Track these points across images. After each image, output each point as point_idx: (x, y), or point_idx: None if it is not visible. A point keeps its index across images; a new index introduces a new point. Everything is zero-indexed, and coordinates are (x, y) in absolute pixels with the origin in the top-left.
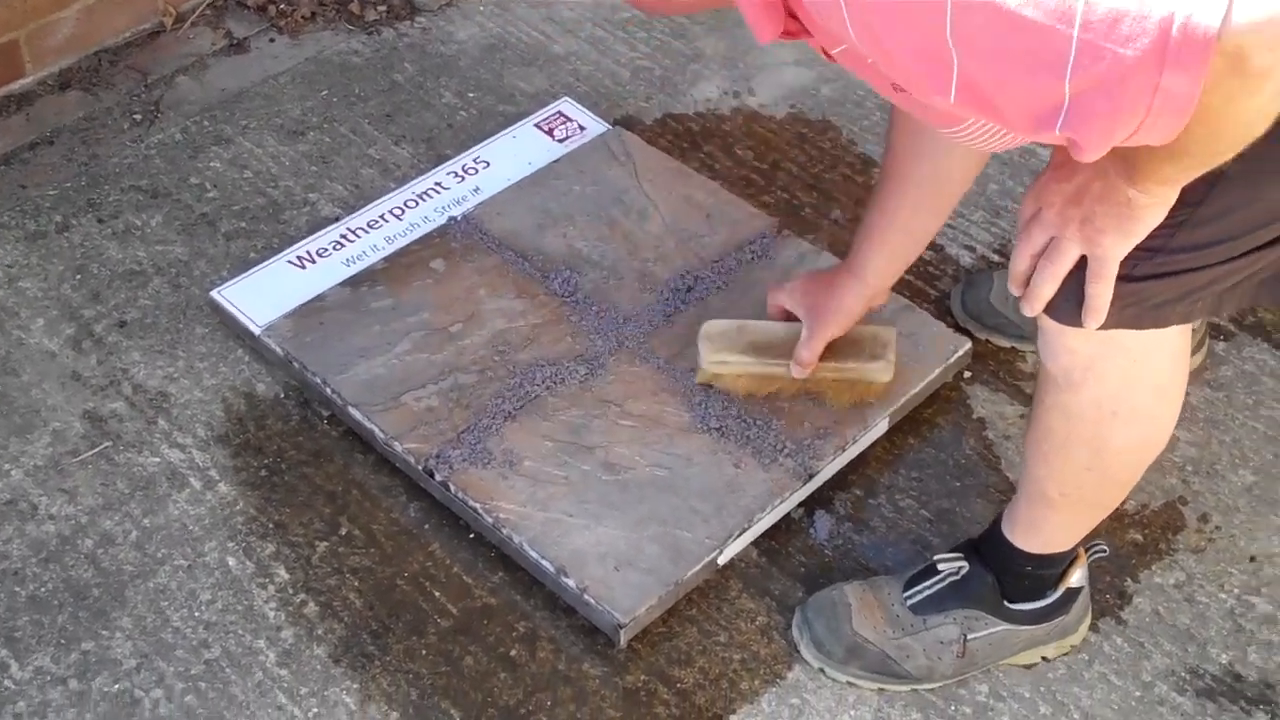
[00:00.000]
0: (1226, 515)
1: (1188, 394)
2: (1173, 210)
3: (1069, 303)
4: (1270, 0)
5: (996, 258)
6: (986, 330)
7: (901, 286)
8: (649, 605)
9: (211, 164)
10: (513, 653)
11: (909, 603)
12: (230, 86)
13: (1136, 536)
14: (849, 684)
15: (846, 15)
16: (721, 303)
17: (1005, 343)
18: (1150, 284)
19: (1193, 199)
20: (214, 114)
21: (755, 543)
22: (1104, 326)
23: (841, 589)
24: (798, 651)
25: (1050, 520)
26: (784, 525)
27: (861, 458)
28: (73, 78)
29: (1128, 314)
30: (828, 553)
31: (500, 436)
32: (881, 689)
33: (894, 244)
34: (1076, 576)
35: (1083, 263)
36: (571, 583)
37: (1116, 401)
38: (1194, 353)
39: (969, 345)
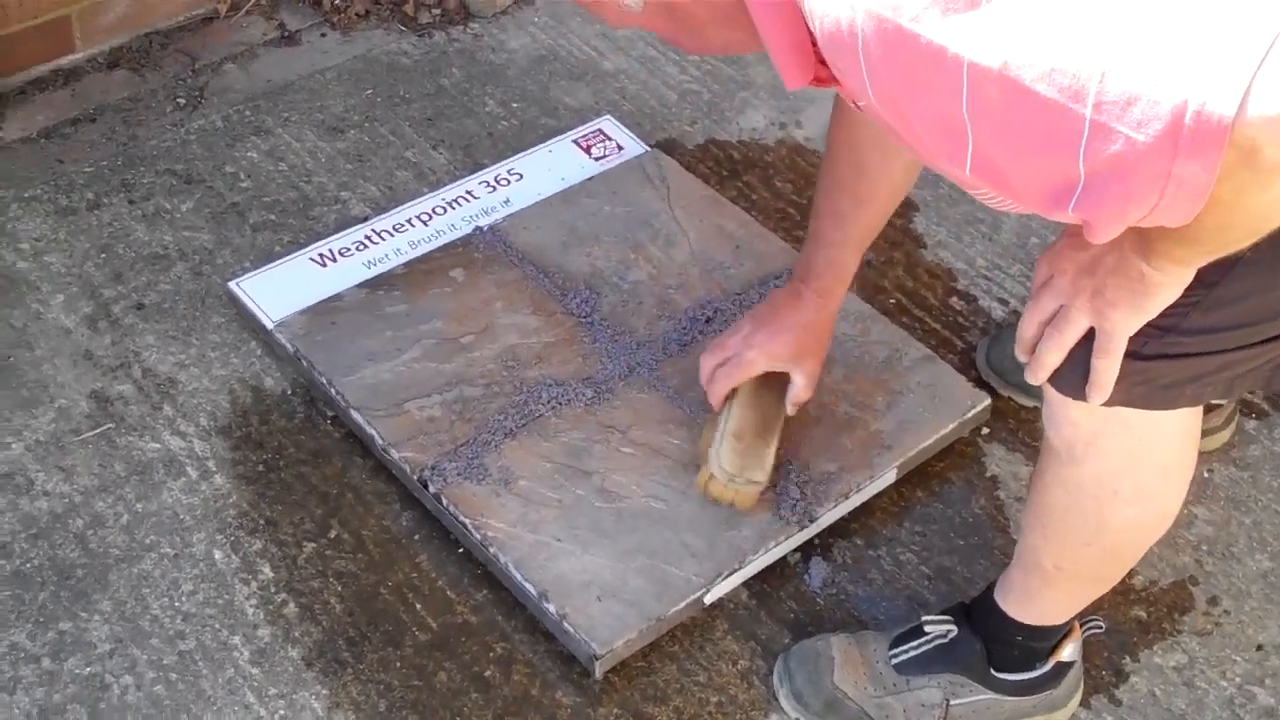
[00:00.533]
0: (1237, 600)
1: (1211, 470)
2: (1188, 290)
3: (1075, 374)
4: None
5: None
6: (1009, 388)
7: (928, 335)
8: (628, 638)
9: (249, 154)
10: (487, 673)
11: (894, 661)
12: (276, 78)
13: (1140, 613)
14: None
15: (866, 77)
16: None
17: (1028, 402)
18: (1159, 364)
19: (1209, 279)
20: (257, 104)
21: (747, 584)
22: (1110, 403)
23: (827, 640)
24: (776, 700)
25: (1044, 593)
26: (778, 568)
27: (866, 506)
28: (122, 57)
29: (1135, 393)
30: (819, 601)
31: (499, 453)
32: None
33: (859, 251)
34: (1069, 650)
35: (1091, 335)
36: (552, 608)
37: (1119, 479)
38: (1222, 428)
39: (988, 401)
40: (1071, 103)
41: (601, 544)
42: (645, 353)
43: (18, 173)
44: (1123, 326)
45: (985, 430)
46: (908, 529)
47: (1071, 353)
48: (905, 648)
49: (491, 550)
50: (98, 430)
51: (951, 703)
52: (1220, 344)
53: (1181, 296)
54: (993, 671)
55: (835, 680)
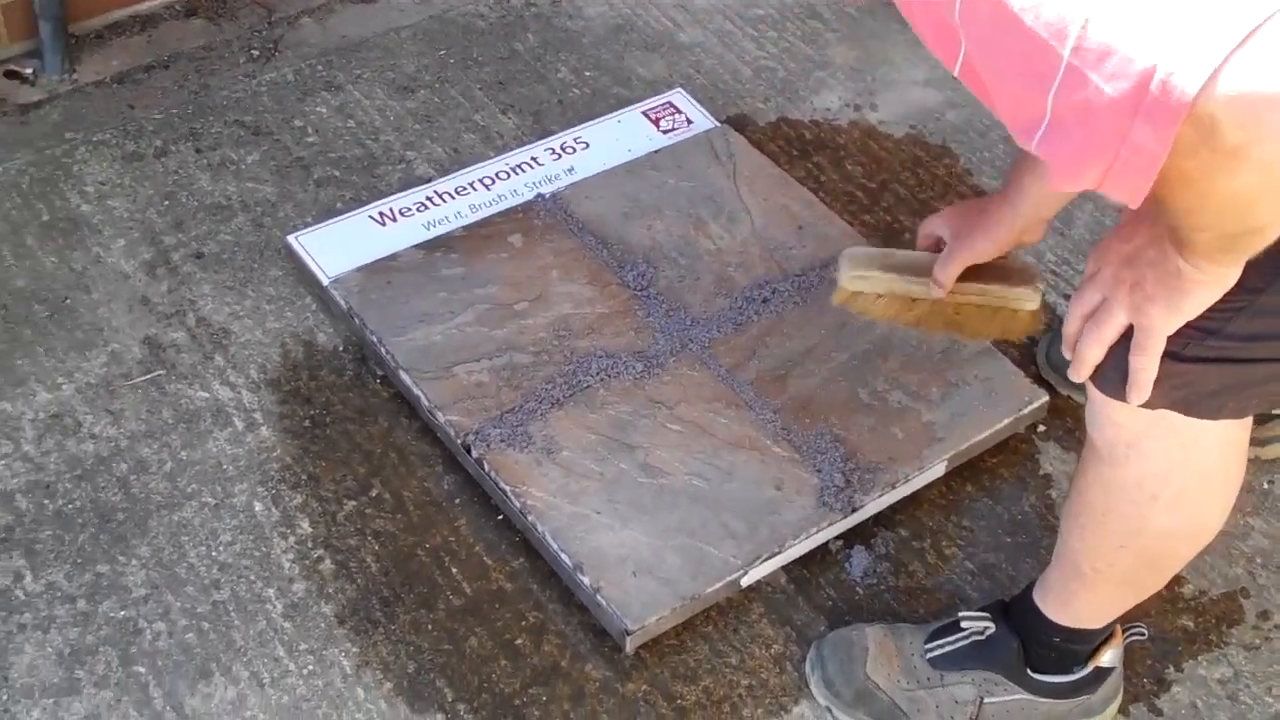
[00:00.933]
0: None
1: (1272, 481)
2: (1232, 294)
3: (1116, 374)
4: (1254, 78)
5: None
6: (1069, 386)
7: None
8: (660, 616)
9: (318, 109)
10: (518, 641)
11: (929, 655)
12: (351, 34)
13: (1188, 622)
14: None
15: None
16: (796, 318)
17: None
18: (1200, 368)
19: (1254, 285)
20: (330, 59)
21: (786, 568)
22: (1151, 406)
23: (862, 630)
24: (807, 686)
25: (1081, 596)
26: (819, 555)
27: (913, 498)
28: (200, 6)
29: (1176, 396)
30: (859, 590)
31: (544, 422)
32: None
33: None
34: (1109, 656)
35: (1131, 335)
36: (587, 581)
37: (1158, 484)
38: None
39: (1045, 399)
40: (1053, 40)
41: (641, 519)
42: (699, 330)
43: (89, 116)
44: (1160, 323)
45: (1041, 428)
46: (954, 523)
47: (1115, 352)
48: (941, 642)
49: (530, 519)
50: (148, 376)
51: (985, 700)
52: (1264, 352)
53: (1225, 300)
54: (1029, 672)
55: (868, 670)
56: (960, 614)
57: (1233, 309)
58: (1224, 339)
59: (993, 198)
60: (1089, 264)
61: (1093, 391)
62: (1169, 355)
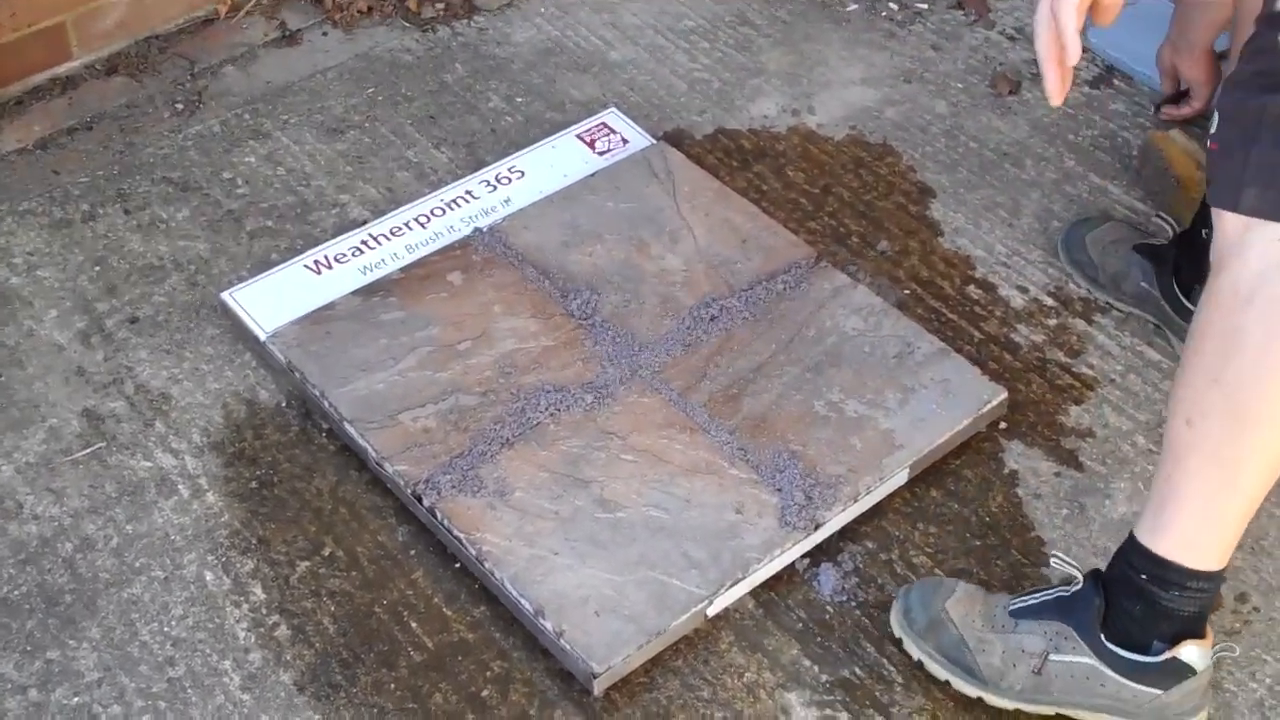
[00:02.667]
0: (1268, 597)
1: None
2: None
3: (1222, 182)
4: None
5: (1050, 301)
6: (1071, 264)
7: (945, 327)
8: (627, 655)
9: (246, 159)
10: (484, 693)
11: (1010, 607)
12: (276, 79)
13: None
14: (919, 663)
15: None
16: (746, 334)
17: (1083, 282)
18: None
19: None
20: (256, 107)
21: (753, 593)
22: (1247, 209)
23: (958, 580)
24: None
25: (1179, 486)
26: (785, 576)
27: (877, 508)
28: (120, 63)
29: (1268, 197)
30: (829, 609)
31: (495, 464)
32: (948, 682)
33: None
34: (1189, 651)
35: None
36: (549, 625)
37: (1250, 285)
38: None
39: (1004, 395)
40: None
41: (600, 556)
42: (648, 354)
43: (13, 185)
44: None
45: (1003, 425)
46: (921, 530)
47: (1220, 161)
48: (1025, 595)
49: (487, 565)
50: (89, 450)
51: (1051, 656)
52: None
53: None
54: (1103, 637)
55: (947, 605)
56: (1052, 553)
57: None
58: None
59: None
60: None
61: (1215, 212)
62: (1264, 145)
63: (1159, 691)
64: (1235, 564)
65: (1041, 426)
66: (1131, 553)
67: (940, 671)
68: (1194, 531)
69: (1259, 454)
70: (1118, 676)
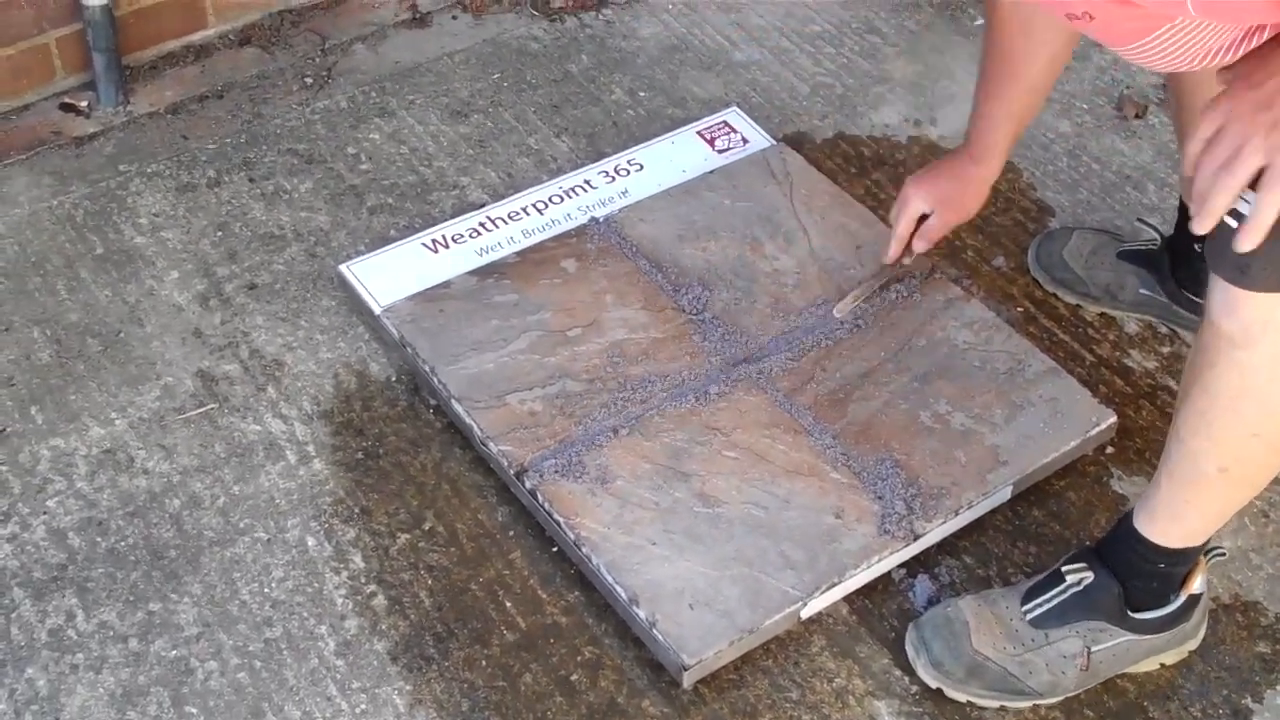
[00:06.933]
0: None
1: None
2: None
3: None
4: None
5: (1164, 328)
6: (1054, 284)
7: (1056, 347)
8: (718, 649)
9: (371, 135)
10: (574, 677)
11: (1029, 617)
12: (405, 60)
13: (1264, 649)
14: (968, 704)
15: None
16: (855, 340)
17: (1070, 299)
18: None
19: None
20: (383, 85)
21: (847, 599)
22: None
23: (956, 605)
24: (914, 672)
25: (1196, 505)
26: (881, 585)
27: (978, 523)
28: (253, 35)
29: None
30: None
31: (597, 451)
32: (1003, 706)
33: (1010, 125)
34: (1198, 583)
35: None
36: (642, 614)
37: None
38: None
39: (1113, 419)
40: None
41: (697, 550)
42: (756, 353)
43: (143, 147)
44: None
45: (1110, 449)
46: (1020, 549)
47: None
48: (1039, 600)
49: (584, 550)
50: (201, 410)
51: (1093, 650)
52: None
53: None
54: (1130, 613)
55: (974, 645)
56: (1062, 566)
57: None
58: None
59: (962, 164)
60: (1212, 117)
61: (1220, 282)
62: None
63: (1183, 624)
64: None
65: (1150, 454)
66: (1141, 547)
67: (992, 703)
68: (1210, 526)
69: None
70: (1151, 636)
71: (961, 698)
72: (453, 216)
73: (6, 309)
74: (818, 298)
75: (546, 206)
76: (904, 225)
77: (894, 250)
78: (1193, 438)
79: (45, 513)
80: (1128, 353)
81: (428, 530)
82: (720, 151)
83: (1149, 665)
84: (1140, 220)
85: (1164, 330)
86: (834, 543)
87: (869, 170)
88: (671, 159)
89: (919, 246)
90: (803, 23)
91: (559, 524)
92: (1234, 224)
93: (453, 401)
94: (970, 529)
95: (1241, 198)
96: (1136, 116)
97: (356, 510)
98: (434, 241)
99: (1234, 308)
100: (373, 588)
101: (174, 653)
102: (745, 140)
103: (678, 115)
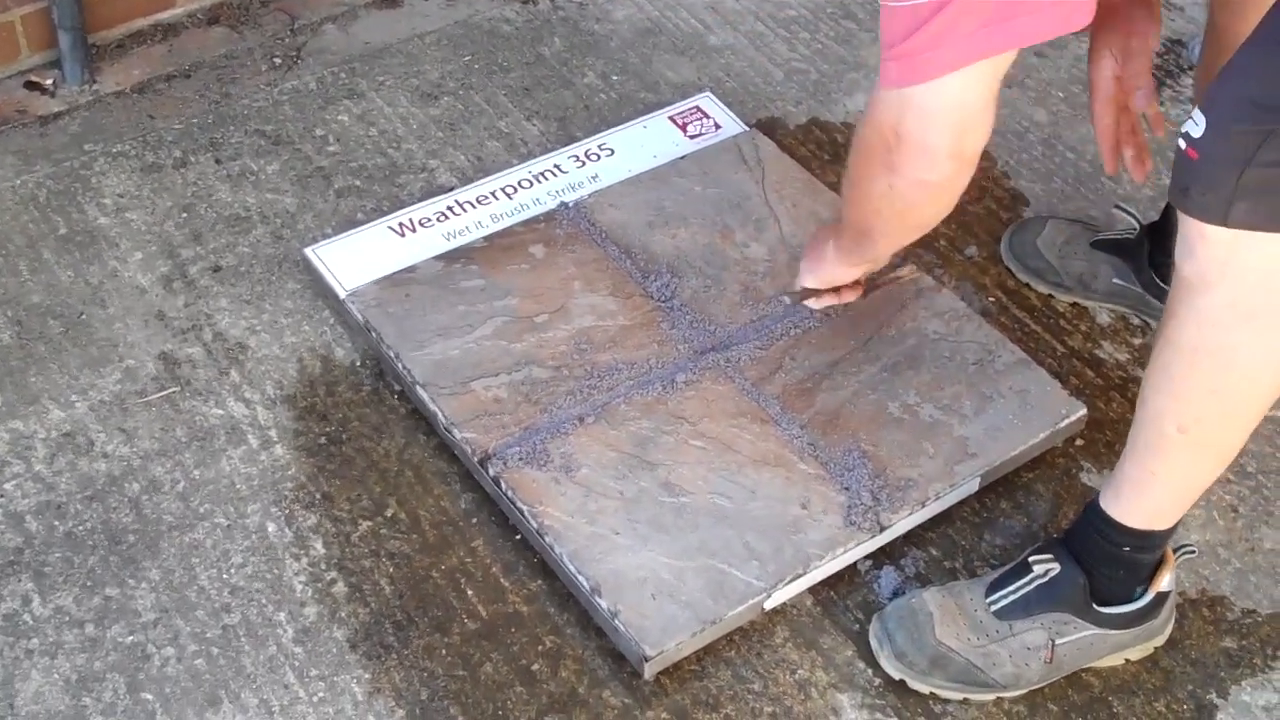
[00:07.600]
0: None
1: None
2: None
3: (1208, 196)
4: None
5: (1136, 319)
6: (1027, 273)
7: (1028, 338)
8: (680, 641)
9: (339, 117)
10: (534, 667)
11: (993, 608)
12: (375, 40)
13: (1230, 644)
14: (931, 696)
15: None
16: (825, 329)
17: (1043, 289)
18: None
19: None
20: (353, 66)
21: (812, 590)
22: (1237, 223)
23: (920, 596)
24: (877, 664)
25: (1161, 475)
26: (846, 576)
27: (945, 515)
28: (222, 14)
29: (1261, 209)
30: None
31: (562, 439)
32: (966, 699)
33: None
34: (1166, 580)
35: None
36: (604, 604)
37: (1252, 302)
38: None
39: (1083, 412)
40: None
41: (660, 540)
42: (724, 341)
43: (109, 127)
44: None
45: (1080, 442)
46: (987, 541)
47: (1205, 172)
48: (1004, 592)
49: (547, 539)
50: (163, 393)
51: (1057, 642)
52: None
53: None
54: (1095, 606)
55: (938, 636)
56: (1028, 556)
57: None
58: None
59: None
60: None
61: (1185, 222)
62: (1259, 164)
63: (1151, 621)
64: None
65: (1120, 447)
66: (1108, 529)
67: (955, 695)
68: (1176, 504)
69: (1245, 436)
70: (1118, 632)
71: (924, 689)
72: (421, 200)
73: None
74: (787, 285)
75: (516, 191)
76: (1097, 79)
77: (1108, 151)
78: (1155, 395)
79: (2, 495)
80: (1099, 344)
81: (390, 517)
82: (692, 137)
83: (1114, 660)
84: (1118, 206)
85: (1136, 322)
86: (799, 534)
87: (842, 157)
88: (643, 144)
89: (1141, 104)
90: (778, 7)
91: (522, 512)
92: (1183, 145)
93: (417, 387)
94: (937, 520)
95: (1190, 118)
96: None
97: (318, 496)
98: (401, 225)
99: (1192, 248)
100: (333, 574)
101: (131, 639)
102: (718, 126)
103: (650, 100)
